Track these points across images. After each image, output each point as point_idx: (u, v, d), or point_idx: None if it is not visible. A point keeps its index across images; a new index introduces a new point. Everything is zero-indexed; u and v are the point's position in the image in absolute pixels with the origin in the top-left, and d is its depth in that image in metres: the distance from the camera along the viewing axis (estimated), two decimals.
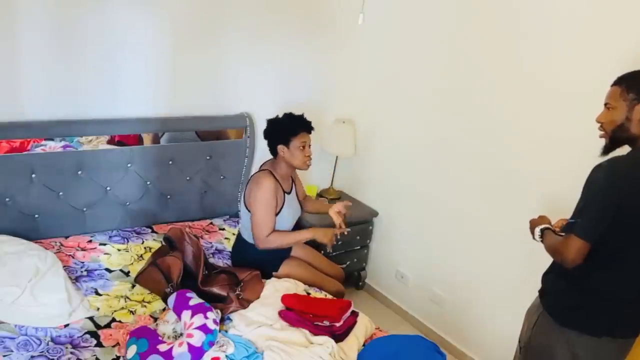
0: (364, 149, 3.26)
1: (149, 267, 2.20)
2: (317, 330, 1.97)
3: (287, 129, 2.29)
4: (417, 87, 2.89)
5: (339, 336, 1.98)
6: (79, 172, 2.35)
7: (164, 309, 2.06)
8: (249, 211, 2.29)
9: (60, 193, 2.33)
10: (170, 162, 2.62)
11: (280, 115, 2.35)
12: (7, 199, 2.20)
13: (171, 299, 1.96)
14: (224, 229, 2.78)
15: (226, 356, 1.78)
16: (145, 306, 2.08)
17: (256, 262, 2.33)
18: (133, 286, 2.19)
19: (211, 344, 1.77)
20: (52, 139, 2.28)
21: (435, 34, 2.75)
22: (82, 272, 2.20)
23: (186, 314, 1.85)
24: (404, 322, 3.09)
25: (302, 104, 2.80)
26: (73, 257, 2.27)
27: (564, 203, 1.78)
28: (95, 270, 2.23)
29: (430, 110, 2.83)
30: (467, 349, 2.78)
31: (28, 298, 1.84)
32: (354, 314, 2.13)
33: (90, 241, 2.41)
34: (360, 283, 3.37)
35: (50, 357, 1.72)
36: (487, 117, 2.52)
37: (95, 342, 1.83)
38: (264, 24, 2.73)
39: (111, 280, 2.20)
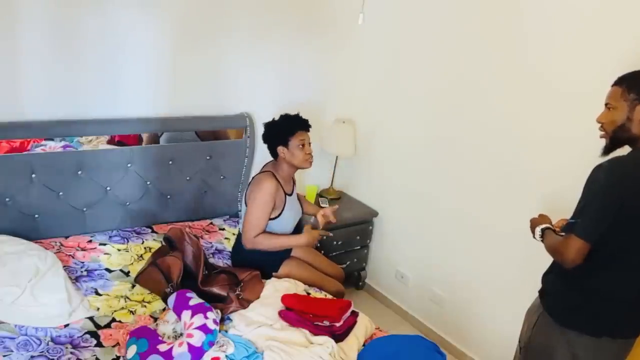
0: (364, 149, 3.26)
1: (149, 267, 2.20)
2: (317, 330, 1.97)
3: (284, 129, 2.29)
4: (417, 87, 2.89)
5: (339, 336, 1.98)
6: (79, 172, 2.35)
7: (164, 309, 2.06)
8: None
9: (60, 193, 2.33)
10: (170, 162, 2.62)
11: (277, 118, 2.35)
12: (7, 199, 2.20)
13: (171, 299, 1.96)
14: (224, 229, 2.78)
15: (226, 356, 1.78)
16: (145, 306, 2.08)
17: (256, 262, 2.33)
18: (133, 286, 2.19)
19: (211, 344, 1.77)
20: (52, 139, 2.28)
21: (435, 34, 2.75)
22: (82, 272, 2.20)
23: (186, 314, 1.85)
24: (404, 322, 3.09)
25: (302, 104, 2.80)
26: (73, 257, 2.26)
27: (564, 203, 1.78)
28: (95, 270, 2.23)
29: (430, 111, 2.83)
30: (467, 349, 2.79)
31: (28, 298, 1.84)
32: (354, 314, 2.13)
33: (90, 241, 2.41)
34: (360, 283, 3.37)
35: (50, 357, 1.72)
36: (486, 117, 2.52)
37: (95, 342, 1.83)
38: (264, 24, 2.73)
39: (111, 280, 2.19)
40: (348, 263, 3.16)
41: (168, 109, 2.58)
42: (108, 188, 2.46)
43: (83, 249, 2.34)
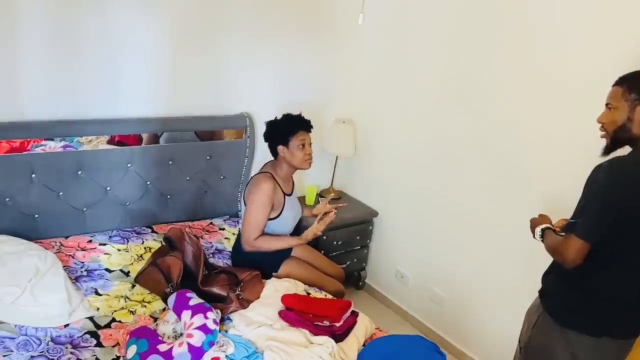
0: (364, 149, 3.26)
1: (149, 267, 2.20)
2: (317, 330, 1.97)
3: (285, 129, 2.29)
4: (417, 87, 2.89)
5: (339, 336, 1.98)
6: (79, 172, 2.35)
7: (164, 309, 2.06)
8: None
9: (60, 193, 2.33)
10: (170, 162, 2.62)
11: (279, 117, 2.35)
12: (7, 199, 2.20)
13: (171, 299, 1.96)
14: (224, 229, 2.78)
15: (226, 356, 1.78)
16: (145, 306, 2.08)
17: (256, 262, 2.33)
18: (133, 286, 2.19)
19: (211, 344, 1.77)
20: (52, 139, 2.28)
21: (435, 33, 2.75)
22: (82, 272, 2.20)
23: (186, 314, 1.85)
24: (404, 322, 3.09)
25: (302, 104, 2.80)
26: (73, 257, 2.26)
27: (564, 202, 1.78)
28: (95, 270, 2.23)
29: (430, 110, 2.83)
30: (467, 349, 2.79)
31: (28, 298, 1.84)
32: (354, 314, 2.13)
33: (90, 241, 2.41)
34: (360, 283, 3.37)
35: (50, 357, 1.72)
36: (487, 117, 2.52)
37: (95, 342, 1.83)
38: (264, 24, 2.73)
39: (111, 280, 2.19)
40: (348, 263, 3.16)
41: (168, 109, 2.58)
42: (108, 188, 2.46)
43: (83, 249, 2.34)
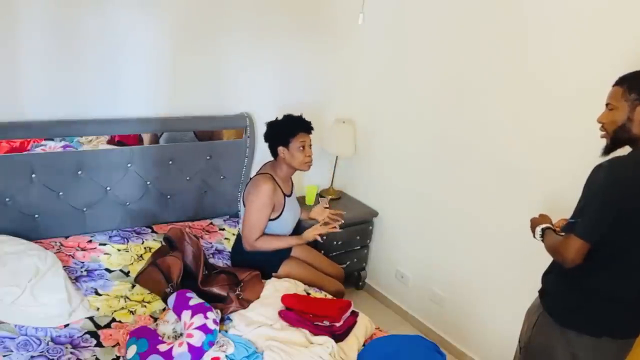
0: (364, 149, 3.26)
1: (149, 267, 2.20)
2: (317, 330, 1.97)
3: (286, 130, 2.29)
4: (417, 87, 2.89)
5: (339, 336, 1.98)
6: (79, 172, 2.35)
7: (164, 309, 2.06)
8: None
9: (60, 193, 2.33)
10: (170, 162, 2.62)
11: (280, 117, 2.35)
12: (7, 199, 2.20)
13: (171, 299, 1.96)
14: (224, 229, 2.78)
15: (226, 356, 1.78)
16: (145, 306, 2.08)
17: (256, 262, 2.33)
18: (133, 286, 2.19)
19: (211, 344, 1.77)
20: (52, 139, 2.28)
21: (435, 34, 2.75)
22: (82, 272, 2.20)
23: (186, 314, 1.85)
24: (404, 322, 3.09)
25: (302, 104, 2.80)
26: (73, 257, 2.26)
27: (564, 202, 1.78)
28: (95, 270, 2.23)
29: (430, 110, 2.83)
30: (467, 349, 2.79)
31: (28, 298, 1.84)
32: (354, 314, 2.13)
33: (90, 241, 2.41)
34: (360, 283, 3.37)
35: (50, 357, 1.72)
36: (486, 117, 2.52)
37: (95, 342, 1.83)
38: (264, 24, 2.73)
39: (111, 280, 2.19)
40: (348, 263, 3.16)
41: (168, 109, 2.58)
42: (108, 188, 2.46)
43: (83, 249, 2.34)
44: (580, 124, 2.00)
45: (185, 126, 2.65)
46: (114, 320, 1.96)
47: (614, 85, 1.59)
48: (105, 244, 2.41)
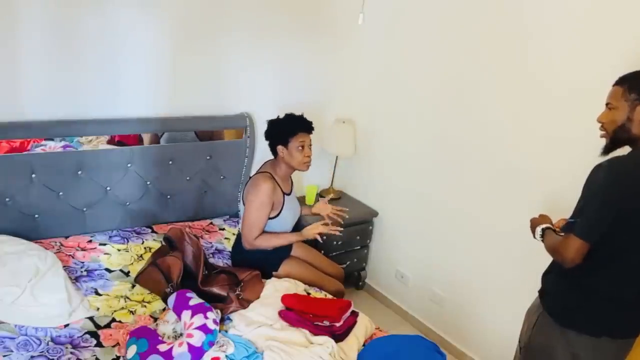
0: (364, 149, 3.26)
1: (149, 267, 2.20)
2: (317, 330, 1.97)
3: (286, 129, 2.29)
4: (417, 87, 2.89)
5: (339, 336, 1.98)
6: (79, 172, 2.35)
7: (164, 309, 2.06)
8: None
9: (60, 193, 2.33)
10: (170, 162, 2.62)
11: (281, 116, 2.35)
12: (7, 199, 2.20)
13: (171, 299, 1.96)
14: (224, 229, 2.78)
15: (226, 356, 1.78)
16: (145, 306, 2.08)
17: (256, 262, 2.33)
18: (133, 286, 2.19)
19: (211, 344, 1.77)
20: (52, 139, 2.28)
21: (435, 34, 2.75)
22: (82, 272, 2.20)
23: (186, 314, 1.85)
24: (404, 322, 3.09)
25: (302, 104, 2.80)
26: (73, 257, 2.26)
27: (564, 202, 1.78)
28: (95, 270, 2.23)
29: (430, 110, 2.83)
30: (467, 349, 2.79)
31: (28, 298, 1.84)
32: (354, 314, 2.13)
33: (90, 241, 2.41)
34: (360, 283, 3.37)
35: (50, 357, 1.72)
36: (487, 117, 2.52)
37: (95, 342, 1.83)
38: (264, 24, 2.73)
39: (111, 280, 2.19)
40: (348, 263, 3.16)
41: (168, 109, 2.58)
42: (108, 188, 2.46)
43: (83, 249, 2.34)
44: (580, 124, 2.00)
45: (185, 126, 2.65)
46: (114, 320, 1.96)
47: (614, 85, 1.59)
48: (105, 244, 2.41)
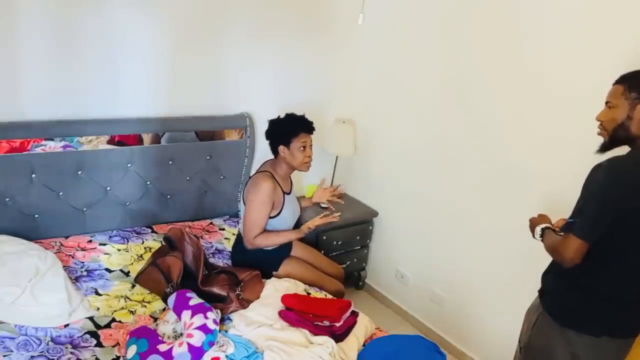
0: (364, 149, 3.26)
1: (149, 267, 2.20)
2: (317, 330, 1.97)
3: (288, 129, 2.29)
4: (417, 87, 2.89)
5: (339, 336, 1.98)
6: (79, 172, 2.35)
7: (164, 309, 2.06)
8: None
9: (60, 193, 2.33)
10: (170, 162, 2.62)
11: (282, 116, 2.35)
12: (7, 199, 2.20)
13: (171, 299, 1.96)
14: (224, 229, 2.78)
15: (226, 356, 1.78)
16: (145, 306, 2.08)
17: (256, 262, 2.33)
18: (133, 286, 2.19)
19: (211, 344, 1.77)
20: (52, 139, 2.28)
21: (435, 34, 2.75)
22: (82, 272, 2.20)
23: (186, 314, 1.85)
24: (404, 322, 3.09)
25: (302, 104, 2.80)
26: (73, 257, 2.27)
27: (563, 202, 1.78)
28: (95, 270, 2.23)
29: (430, 110, 2.83)
30: (467, 349, 2.79)
31: (28, 298, 1.84)
32: (354, 314, 2.13)
33: (90, 241, 2.41)
34: (360, 283, 3.37)
35: (50, 357, 1.72)
36: (486, 117, 2.52)
37: (95, 342, 1.83)
38: (263, 23, 2.73)
39: (111, 280, 2.20)
40: (348, 263, 3.16)
41: (168, 109, 2.58)
42: (108, 188, 2.46)
43: (83, 249, 2.34)
44: (580, 124, 2.00)
45: (185, 126, 2.65)
46: (114, 320, 1.96)
47: (614, 84, 1.59)
48: (105, 244, 2.41)
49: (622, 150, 1.59)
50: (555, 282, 1.72)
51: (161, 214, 2.69)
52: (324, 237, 2.94)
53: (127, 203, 2.55)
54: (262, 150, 2.72)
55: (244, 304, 2.08)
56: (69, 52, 2.23)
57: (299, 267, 2.44)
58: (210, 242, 2.63)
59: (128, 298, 2.11)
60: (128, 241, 2.48)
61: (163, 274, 2.15)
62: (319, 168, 3.13)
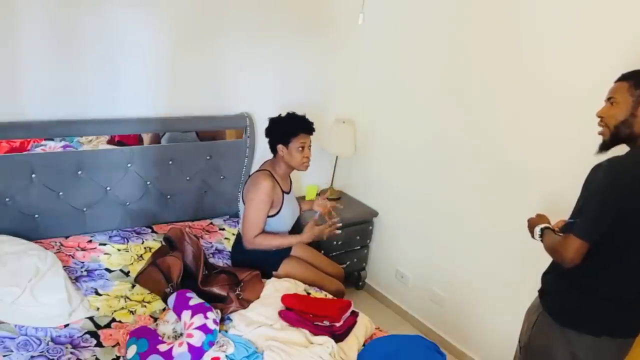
0: (364, 149, 3.26)
1: (149, 267, 2.20)
2: (317, 330, 1.97)
3: (287, 129, 2.29)
4: (417, 87, 2.89)
5: (339, 336, 1.98)
6: (79, 172, 2.35)
7: (164, 309, 2.06)
8: None
9: (60, 193, 2.33)
10: (170, 162, 2.62)
11: (283, 114, 2.35)
12: (7, 199, 2.20)
13: (171, 299, 1.96)
14: (224, 229, 2.78)
15: (226, 356, 1.78)
16: (145, 306, 2.08)
17: (256, 262, 2.33)
18: (133, 286, 2.19)
19: (211, 344, 1.77)
20: (52, 139, 2.28)
21: (435, 34, 2.75)
22: (82, 272, 2.20)
23: (186, 314, 1.85)
24: (404, 322, 3.10)
25: (302, 104, 2.80)
26: (73, 257, 2.26)
27: (563, 202, 1.78)
28: (95, 270, 2.23)
29: (430, 111, 2.83)
30: (467, 349, 2.79)
31: (28, 298, 1.84)
32: (354, 314, 2.13)
33: (90, 241, 2.41)
34: (360, 283, 3.37)
35: (50, 357, 1.72)
36: (486, 117, 2.52)
37: (95, 342, 1.83)
38: (263, 24, 2.73)
39: (111, 280, 2.19)
40: (348, 263, 3.16)
41: (168, 109, 2.58)
42: (108, 188, 2.46)
43: (83, 249, 2.34)
44: (580, 124, 2.00)
45: (185, 126, 2.66)
46: (114, 320, 1.96)
47: (618, 81, 1.58)
48: (105, 244, 2.41)
49: (622, 149, 1.58)
50: (555, 282, 1.72)
51: (161, 214, 2.69)
52: (324, 237, 2.93)
53: (127, 203, 2.55)
54: (262, 150, 2.72)
55: (244, 304, 2.08)
56: (69, 52, 2.23)
57: (299, 267, 2.44)
58: (210, 242, 2.63)
59: (128, 298, 2.11)
60: (128, 241, 2.48)
61: (163, 274, 2.15)
62: (319, 168, 3.13)
